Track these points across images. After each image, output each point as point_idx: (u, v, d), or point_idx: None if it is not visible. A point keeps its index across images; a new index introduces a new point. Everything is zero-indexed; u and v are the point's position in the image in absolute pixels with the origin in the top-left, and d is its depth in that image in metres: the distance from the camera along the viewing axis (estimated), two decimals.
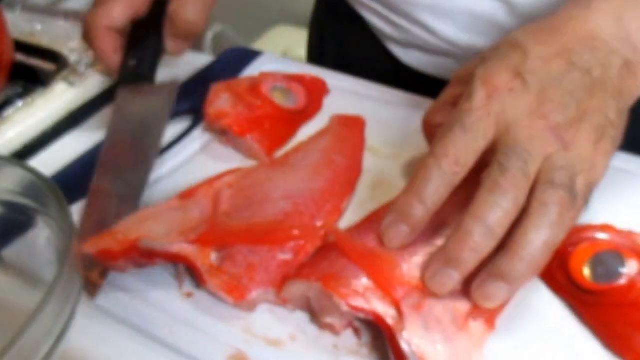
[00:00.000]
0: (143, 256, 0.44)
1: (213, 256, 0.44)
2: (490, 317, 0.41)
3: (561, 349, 0.41)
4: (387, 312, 0.40)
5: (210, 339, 0.42)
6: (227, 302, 0.43)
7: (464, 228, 0.39)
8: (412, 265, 0.43)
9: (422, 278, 0.41)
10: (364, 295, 0.41)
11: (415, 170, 0.42)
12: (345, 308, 0.40)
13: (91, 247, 0.45)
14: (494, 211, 0.38)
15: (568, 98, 0.41)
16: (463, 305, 0.41)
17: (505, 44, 0.44)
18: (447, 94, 0.49)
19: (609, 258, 0.43)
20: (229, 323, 0.43)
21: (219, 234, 0.45)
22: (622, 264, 0.42)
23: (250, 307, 0.44)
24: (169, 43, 0.62)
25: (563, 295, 0.44)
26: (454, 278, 0.39)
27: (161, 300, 0.45)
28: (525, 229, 0.38)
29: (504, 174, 0.38)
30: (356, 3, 0.74)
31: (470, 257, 0.39)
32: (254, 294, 0.43)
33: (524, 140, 0.39)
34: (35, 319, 0.33)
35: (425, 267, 0.41)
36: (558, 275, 0.44)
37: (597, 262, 0.43)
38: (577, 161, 0.40)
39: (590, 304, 0.42)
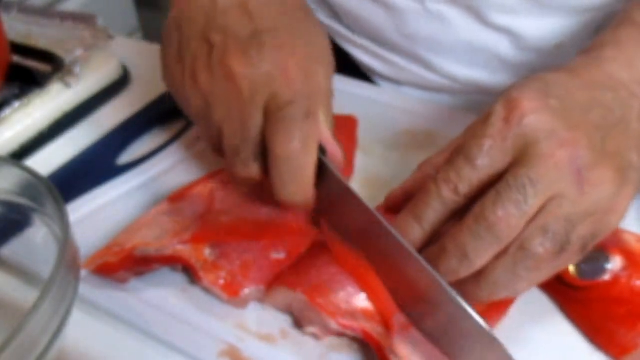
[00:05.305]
0: (140, 264, 0.45)
1: (207, 252, 0.44)
2: None
3: (546, 344, 0.42)
4: (375, 329, 0.40)
5: (203, 334, 0.43)
6: (221, 298, 0.44)
7: (444, 247, 0.37)
8: None
9: None
10: (352, 313, 0.41)
11: (417, 193, 0.40)
12: (334, 326, 0.41)
13: (90, 263, 0.46)
14: (474, 242, 0.36)
15: (594, 132, 0.37)
16: None
17: (522, 80, 0.39)
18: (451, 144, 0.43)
19: (594, 254, 0.43)
20: (222, 319, 0.44)
21: (212, 230, 0.46)
22: (607, 260, 0.43)
23: (243, 304, 0.44)
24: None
25: (548, 291, 0.45)
26: None
27: (155, 297, 0.46)
28: (496, 264, 0.36)
29: (495, 206, 0.35)
30: (342, 39, 0.73)
31: (444, 276, 0.37)
32: (247, 291, 0.44)
33: (537, 170, 0.35)
34: (32, 317, 0.34)
35: None
36: None
37: (582, 258, 0.43)
38: (590, 206, 0.36)
39: (575, 299, 0.43)
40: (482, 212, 0.35)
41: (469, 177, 0.37)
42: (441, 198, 0.38)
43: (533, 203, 0.35)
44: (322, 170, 0.43)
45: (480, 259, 0.36)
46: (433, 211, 0.38)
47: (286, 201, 0.43)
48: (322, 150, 0.43)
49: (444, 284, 0.37)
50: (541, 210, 0.36)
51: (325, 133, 0.43)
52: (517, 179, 0.35)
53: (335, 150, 0.44)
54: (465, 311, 0.37)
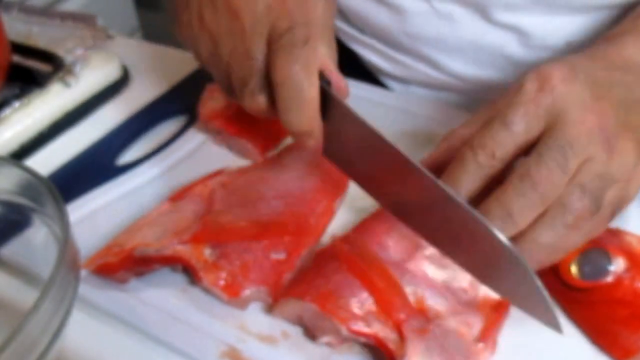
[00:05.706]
0: (140, 264, 0.45)
1: (207, 252, 0.44)
2: (493, 340, 0.41)
3: (548, 346, 0.42)
4: (388, 336, 0.40)
5: (203, 335, 0.43)
6: (222, 298, 0.44)
7: (487, 208, 0.38)
8: (416, 288, 0.43)
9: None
10: (364, 318, 0.40)
11: (452, 162, 0.41)
12: (345, 332, 0.40)
13: (90, 263, 0.46)
14: (519, 201, 0.37)
15: (618, 105, 0.40)
16: (469, 331, 0.41)
17: (547, 61, 0.41)
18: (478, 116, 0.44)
19: (596, 256, 0.43)
20: (223, 320, 0.44)
21: (212, 231, 0.46)
22: (609, 262, 0.43)
23: (243, 304, 0.44)
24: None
25: (550, 293, 0.44)
26: None
27: (155, 297, 0.45)
28: (536, 223, 0.38)
29: (539, 165, 0.37)
30: (349, 39, 0.73)
31: None
32: (247, 292, 0.43)
33: (572, 134, 0.37)
34: (32, 317, 0.34)
35: None
36: (545, 272, 0.44)
37: (584, 259, 0.43)
38: (617, 171, 0.39)
39: (578, 301, 0.43)
40: (527, 171, 0.37)
41: (505, 142, 0.39)
42: (477, 163, 0.39)
43: (573, 163, 0.37)
44: (328, 102, 0.44)
45: (524, 218, 0.37)
46: (470, 176, 0.39)
47: (294, 131, 0.44)
48: (327, 83, 0.44)
49: (472, 209, 0.37)
50: (577, 171, 0.38)
51: (328, 64, 0.44)
52: (556, 141, 0.37)
53: (339, 80, 0.45)
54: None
